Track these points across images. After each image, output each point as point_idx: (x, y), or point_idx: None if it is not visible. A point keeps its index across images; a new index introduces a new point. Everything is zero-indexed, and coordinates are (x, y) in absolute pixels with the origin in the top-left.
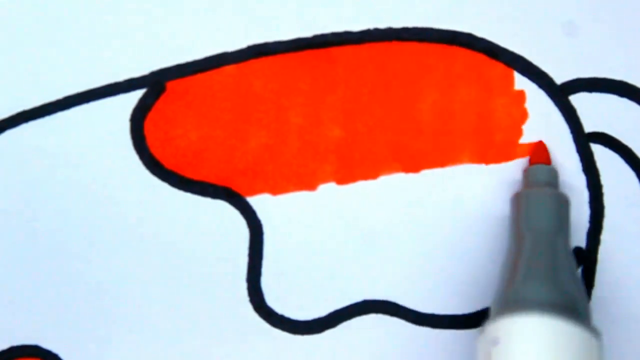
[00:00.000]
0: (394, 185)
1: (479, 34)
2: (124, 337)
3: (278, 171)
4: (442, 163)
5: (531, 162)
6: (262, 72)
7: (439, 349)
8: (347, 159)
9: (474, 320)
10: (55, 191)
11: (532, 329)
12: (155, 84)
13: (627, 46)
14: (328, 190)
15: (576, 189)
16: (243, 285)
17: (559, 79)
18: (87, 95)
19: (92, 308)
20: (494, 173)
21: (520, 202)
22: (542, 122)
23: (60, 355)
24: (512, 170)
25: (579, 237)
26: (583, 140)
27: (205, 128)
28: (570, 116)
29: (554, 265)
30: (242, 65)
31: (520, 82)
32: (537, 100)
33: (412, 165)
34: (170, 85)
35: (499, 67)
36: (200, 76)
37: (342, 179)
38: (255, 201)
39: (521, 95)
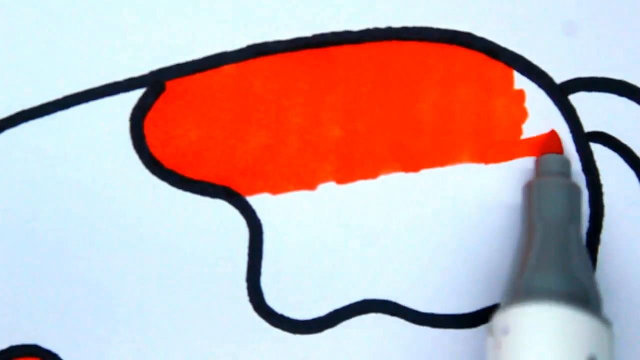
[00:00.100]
0: (394, 185)
1: (479, 33)
2: (124, 337)
3: (278, 171)
4: (442, 163)
5: (543, 152)
6: (262, 72)
7: (439, 349)
8: (347, 159)
9: (474, 320)
10: (55, 191)
11: (542, 318)
12: (155, 84)
13: (627, 46)
14: (328, 190)
15: None
16: (243, 285)
17: (558, 79)
18: (86, 95)
19: (92, 308)
20: (493, 173)
21: (531, 191)
22: (542, 121)
23: (60, 355)
24: (512, 170)
25: None
26: (583, 140)
27: (205, 128)
28: (570, 116)
29: (565, 255)
30: (242, 65)
31: (520, 81)
32: (537, 100)
33: (412, 165)
34: (170, 85)
35: (499, 67)
36: (200, 76)
37: (342, 179)
38: (255, 201)
39: (521, 95)
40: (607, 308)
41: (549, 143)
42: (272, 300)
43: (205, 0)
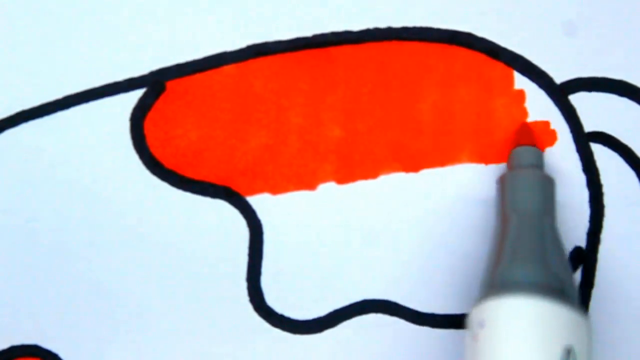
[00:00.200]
0: (393, 185)
1: (479, 33)
2: (124, 337)
3: (278, 171)
4: (441, 162)
5: (516, 144)
6: (262, 71)
7: (438, 349)
8: (347, 159)
9: None
10: (55, 191)
11: (517, 310)
12: (155, 84)
13: (627, 46)
14: (328, 189)
15: (576, 188)
16: (243, 285)
17: (558, 79)
18: (86, 94)
19: (92, 308)
20: (493, 173)
21: (505, 184)
22: (542, 121)
23: (60, 355)
24: None
25: (579, 237)
26: (583, 140)
27: (205, 128)
28: (570, 116)
29: (540, 247)
30: (241, 64)
31: (520, 81)
32: (537, 100)
33: (412, 164)
34: (170, 84)
35: (499, 66)
36: (200, 76)
37: (342, 179)
38: (255, 201)
39: (521, 94)
40: (607, 308)
41: (521, 135)
42: (272, 300)
43: (205, 0)
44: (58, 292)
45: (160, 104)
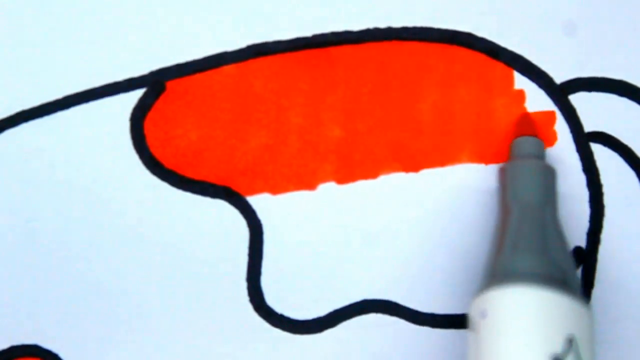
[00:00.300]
0: (393, 185)
1: (479, 33)
2: (124, 337)
3: (278, 171)
4: (441, 162)
5: (517, 134)
6: (262, 72)
7: (438, 349)
8: (347, 159)
9: None
10: (55, 191)
11: (519, 300)
12: (155, 84)
13: (627, 46)
14: (328, 189)
15: (576, 188)
16: (243, 285)
17: (558, 79)
18: (86, 94)
19: (92, 308)
20: (493, 173)
21: (506, 174)
22: (542, 121)
23: (60, 355)
24: None
25: (579, 237)
26: (583, 140)
27: (205, 128)
28: (570, 116)
29: (541, 236)
30: (241, 65)
31: (520, 81)
32: (537, 100)
33: (412, 164)
34: (170, 84)
35: (499, 66)
36: (200, 76)
37: (342, 179)
38: (255, 201)
39: (521, 95)
40: (607, 308)
41: (522, 125)
42: (272, 300)
43: (205, 0)
44: (58, 292)
45: (160, 104)
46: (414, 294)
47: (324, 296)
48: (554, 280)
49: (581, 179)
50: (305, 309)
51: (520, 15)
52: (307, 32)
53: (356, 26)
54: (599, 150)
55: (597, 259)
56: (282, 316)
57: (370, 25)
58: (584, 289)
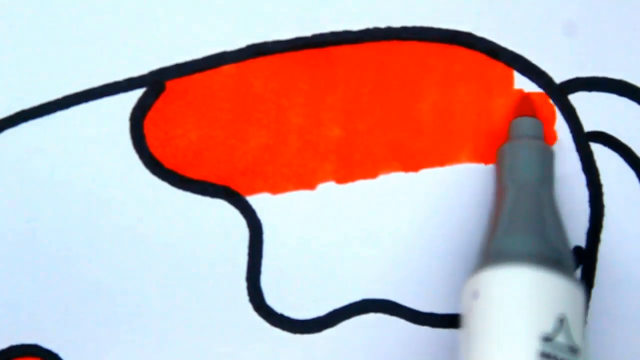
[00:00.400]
0: (393, 185)
1: (479, 33)
2: (124, 337)
3: (278, 171)
4: (441, 162)
5: (515, 115)
6: (262, 71)
7: (438, 349)
8: (347, 158)
9: None
10: (55, 191)
11: (509, 280)
12: (154, 84)
13: (627, 45)
14: (328, 189)
15: (576, 188)
16: (243, 285)
17: (558, 79)
18: (86, 94)
19: (93, 308)
20: (493, 173)
21: (504, 155)
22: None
23: (60, 355)
24: None
25: (579, 237)
26: (583, 140)
27: (205, 128)
28: (570, 115)
29: (537, 216)
30: (241, 64)
31: (520, 81)
32: (536, 99)
33: (412, 164)
34: (170, 84)
35: (498, 66)
36: (199, 75)
37: (342, 178)
38: (255, 200)
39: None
40: (607, 308)
41: (522, 106)
42: (272, 299)
43: (205, 0)
44: (58, 292)
45: (160, 103)
46: (414, 294)
47: (323, 296)
48: (548, 260)
49: (581, 179)
50: (305, 309)
51: (520, 15)
52: (307, 32)
53: (356, 26)
54: (599, 150)
55: (597, 259)
56: (281, 316)
57: (370, 25)
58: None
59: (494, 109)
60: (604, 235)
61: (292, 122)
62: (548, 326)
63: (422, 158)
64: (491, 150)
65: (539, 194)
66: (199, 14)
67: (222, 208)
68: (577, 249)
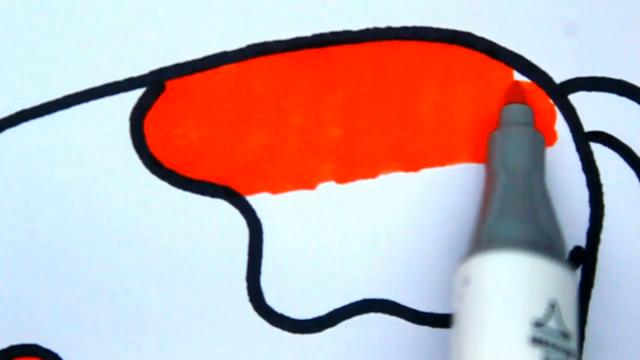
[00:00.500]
0: (393, 184)
1: (479, 33)
2: (124, 337)
3: (278, 170)
4: (441, 162)
5: (506, 102)
6: (262, 71)
7: (438, 348)
8: (347, 159)
9: None
10: (55, 190)
11: (500, 265)
12: (154, 83)
13: (627, 45)
14: (327, 189)
15: (576, 188)
16: (243, 285)
17: (558, 78)
18: (86, 94)
19: (92, 308)
20: None
21: (494, 142)
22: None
23: (60, 354)
24: None
25: (579, 237)
26: (583, 140)
27: (205, 128)
28: (570, 115)
29: (528, 202)
30: (241, 64)
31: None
32: (536, 99)
33: (412, 164)
34: (170, 84)
35: (498, 66)
36: (199, 75)
37: (342, 178)
38: (255, 200)
39: None
40: (607, 308)
41: (512, 93)
42: (272, 299)
43: (205, 0)
44: (58, 292)
45: (160, 103)
46: (413, 293)
47: (323, 296)
48: (539, 245)
49: (581, 179)
50: (305, 309)
51: (520, 15)
52: (307, 31)
53: (356, 26)
54: (599, 150)
55: (597, 259)
56: (281, 316)
57: (370, 24)
58: (584, 288)
59: (493, 109)
60: (604, 235)
61: (292, 122)
62: (539, 311)
63: (422, 158)
64: None
65: (530, 180)
66: (199, 14)
67: (222, 208)
68: (577, 249)
